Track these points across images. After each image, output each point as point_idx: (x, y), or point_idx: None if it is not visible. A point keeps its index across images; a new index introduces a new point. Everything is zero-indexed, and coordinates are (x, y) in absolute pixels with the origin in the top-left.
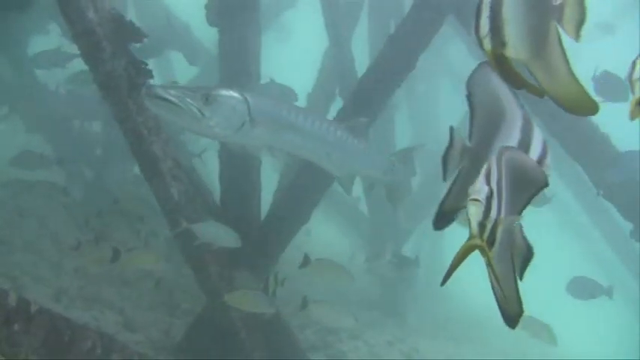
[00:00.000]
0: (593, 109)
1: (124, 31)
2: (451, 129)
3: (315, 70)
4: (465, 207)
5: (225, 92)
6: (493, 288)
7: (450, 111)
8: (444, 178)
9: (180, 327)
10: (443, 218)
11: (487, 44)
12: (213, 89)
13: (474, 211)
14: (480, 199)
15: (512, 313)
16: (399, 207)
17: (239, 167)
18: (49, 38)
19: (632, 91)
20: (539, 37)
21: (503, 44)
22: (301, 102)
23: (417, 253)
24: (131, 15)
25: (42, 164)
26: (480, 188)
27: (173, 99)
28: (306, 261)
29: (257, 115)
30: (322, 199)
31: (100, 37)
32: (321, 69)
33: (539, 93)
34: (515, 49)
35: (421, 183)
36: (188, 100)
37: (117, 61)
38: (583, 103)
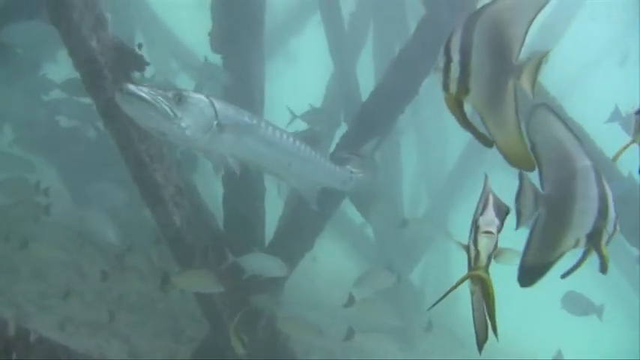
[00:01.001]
0: (531, 166)
1: (126, 60)
2: (521, 174)
3: (321, 96)
4: (547, 260)
5: (194, 94)
6: (476, 317)
7: (457, 136)
8: (518, 226)
9: (186, 354)
10: (527, 274)
11: (453, 88)
12: (183, 90)
13: (487, 244)
14: (494, 232)
15: (483, 339)
16: (371, 215)
17: (243, 193)
18: (58, 66)
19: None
20: (498, 92)
21: (467, 92)
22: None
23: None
24: (138, 38)
25: (30, 192)
26: (491, 220)
27: (146, 96)
28: (350, 301)
29: (223, 120)
30: (328, 225)
31: (101, 65)
32: (326, 95)
33: (489, 143)
34: (475, 98)
35: (428, 208)
36: (161, 98)
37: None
38: (523, 159)
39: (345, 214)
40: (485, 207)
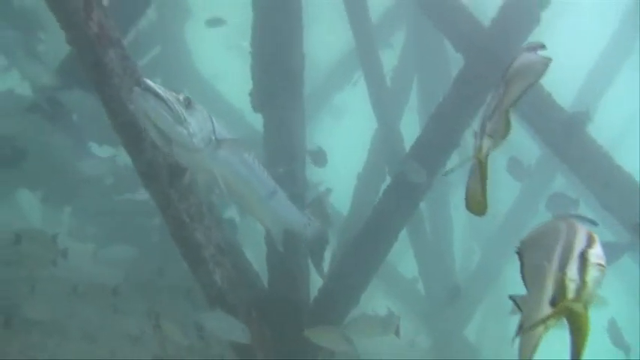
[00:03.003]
0: (483, 213)
1: None
2: None
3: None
4: None
5: (197, 103)
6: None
7: (507, 187)
8: None
9: None
10: None
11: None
12: (189, 96)
13: (599, 277)
14: (605, 267)
15: None
16: (321, 263)
17: (286, 250)
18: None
19: None
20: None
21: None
22: (351, 182)
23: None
24: None
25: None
26: (602, 255)
27: (163, 95)
28: None
29: (219, 135)
30: (380, 280)
31: (140, 127)
32: (371, 149)
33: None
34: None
35: (481, 261)
36: (174, 100)
37: (157, 150)
38: (479, 206)
39: (396, 269)
40: (593, 241)
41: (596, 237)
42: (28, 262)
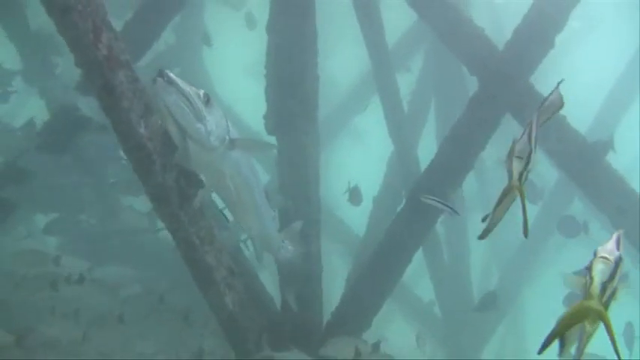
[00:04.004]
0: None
1: (174, 144)
2: None
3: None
4: None
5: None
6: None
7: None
8: None
9: None
10: None
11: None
12: (208, 93)
13: (603, 270)
14: (612, 260)
15: None
16: (292, 294)
17: (300, 275)
18: None
19: None
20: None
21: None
22: (367, 205)
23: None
24: None
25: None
26: (611, 250)
27: (185, 89)
28: None
29: (232, 135)
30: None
31: (150, 150)
32: (387, 173)
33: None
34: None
35: (499, 282)
36: (195, 95)
37: (167, 173)
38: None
39: (413, 292)
40: (609, 241)
41: (614, 237)
42: (28, 284)
